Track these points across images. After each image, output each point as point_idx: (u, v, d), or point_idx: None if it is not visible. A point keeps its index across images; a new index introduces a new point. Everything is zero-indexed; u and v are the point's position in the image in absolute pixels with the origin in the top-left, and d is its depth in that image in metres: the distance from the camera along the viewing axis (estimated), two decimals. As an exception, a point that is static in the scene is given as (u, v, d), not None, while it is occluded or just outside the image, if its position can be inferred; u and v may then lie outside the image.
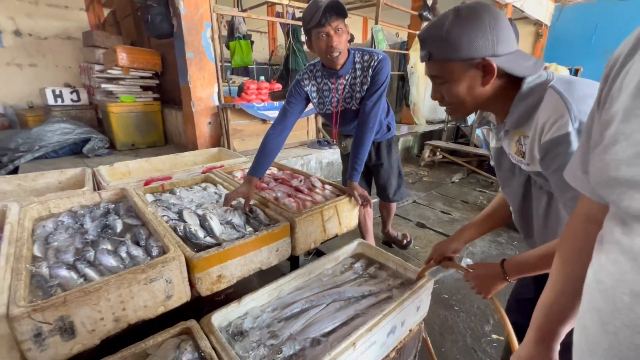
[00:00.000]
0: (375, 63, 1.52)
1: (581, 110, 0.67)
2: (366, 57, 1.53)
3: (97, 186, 1.82)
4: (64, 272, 1.05)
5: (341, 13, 1.38)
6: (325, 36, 1.40)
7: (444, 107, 0.86)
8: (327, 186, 1.76)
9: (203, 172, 2.00)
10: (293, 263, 1.65)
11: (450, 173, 4.35)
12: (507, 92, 0.79)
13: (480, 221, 1.14)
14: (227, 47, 5.54)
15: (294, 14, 5.86)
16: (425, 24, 5.37)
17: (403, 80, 5.63)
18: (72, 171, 1.94)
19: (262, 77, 3.85)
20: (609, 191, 0.40)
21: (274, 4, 5.07)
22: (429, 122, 6.10)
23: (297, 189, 1.70)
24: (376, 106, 1.59)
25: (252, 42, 5.78)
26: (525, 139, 0.80)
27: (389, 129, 1.93)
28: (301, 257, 1.60)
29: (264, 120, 3.39)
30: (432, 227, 2.87)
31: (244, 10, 5.52)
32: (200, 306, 1.21)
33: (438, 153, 4.68)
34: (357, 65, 1.55)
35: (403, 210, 3.19)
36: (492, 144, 0.96)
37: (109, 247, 1.21)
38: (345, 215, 1.57)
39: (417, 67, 5.46)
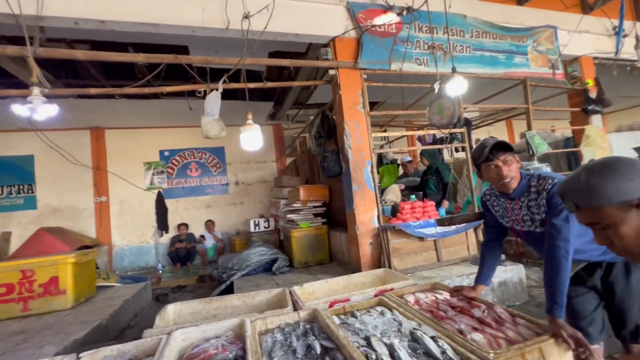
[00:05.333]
0: (549, 187, 1.49)
1: None
2: (541, 181, 1.53)
3: (294, 305, 2.21)
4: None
5: (507, 148, 1.54)
6: (494, 167, 1.56)
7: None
8: (518, 320, 1.55)
9: (376, 295, 2.15)
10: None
11: None
12: None
13: None
14: (377, 172, 6.39)
15: (434, 136, 6.39)
16: (592, 118, 4.79)
17: (579, 178, 4.79)
18: (276, 291, 2.45)
19: (413, 197, 4.11)
20: None
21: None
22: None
23: (482, 321, 1.57)
24: (563, 229, 1.45)
25: (398, 165, 6.49)
26: None
27: None
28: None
29: (420, 238, 3.46)
30: None
31: (390, 142, 6.48)
32: None
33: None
34: (532, 189, 1.55)
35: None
36: None
37: (316, 368, 1.40)
38: (555, 362, 1.30)
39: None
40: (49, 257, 3.38)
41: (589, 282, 1.59)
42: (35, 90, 2.69)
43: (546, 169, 4.21)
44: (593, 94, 4.84)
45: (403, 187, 5.28)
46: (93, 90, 3.37)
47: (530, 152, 4.36)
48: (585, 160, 4.67)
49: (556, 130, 6.41)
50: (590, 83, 4.85)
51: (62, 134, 6.58)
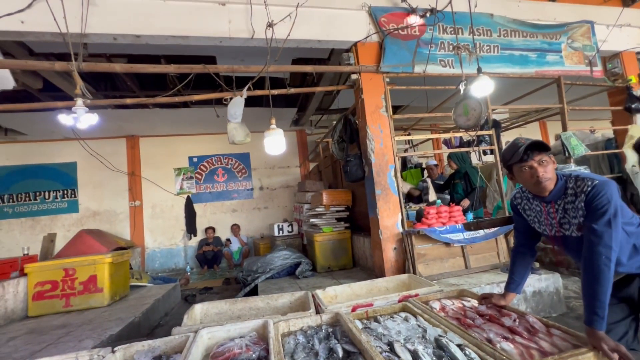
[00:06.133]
0: (589, 189, 1.39)
1: None
2: (579, 183, 1.44)
3: (316, 308, 2.21)
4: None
5: (543, 148, 1.46)
6: (528, 169, 1.48)
7: None
8: (553, 330, 1.46)
9: (399, 301, 2.10)
10: None
11: None
12: None
13: None
14: (400, 176, 6.28)
15: (461, 139, 6.19)
16: (637, 117, 4.45)
17: (624, 182, 4.46)
18: (299, 294, 2.46)
19: (439, 201, 4.00)
20: None
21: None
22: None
23: (513, 331, 1.50)
24: (604, 235, 1.35)
25: (422, 170, 6.35)
26: None
27: None
28: None
29: (447, 244, 3.35)
30: None
31: (415, 145, 6.36)
32: None
33: None
34: (570, 191, 1.46)
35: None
36: None
37: (338, 372, 1.39)
38: (595, 377, 1.21)
39: (643, 165, 4.27)
40: (89, 257, 3.62)
41: (623, 292, 1.48)
42: (79, 101, 2.92)
43: (584, 172, 3.96)
44: (637, 91, 4.50)
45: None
46: (129, 100, 3.59)
47: (566, 154, 4.11)
48: (629, 163, 4.35)
49: (596, 130, 6.00)
50: (634, 79, 4.53)
51: (101, 142, 7.06)
